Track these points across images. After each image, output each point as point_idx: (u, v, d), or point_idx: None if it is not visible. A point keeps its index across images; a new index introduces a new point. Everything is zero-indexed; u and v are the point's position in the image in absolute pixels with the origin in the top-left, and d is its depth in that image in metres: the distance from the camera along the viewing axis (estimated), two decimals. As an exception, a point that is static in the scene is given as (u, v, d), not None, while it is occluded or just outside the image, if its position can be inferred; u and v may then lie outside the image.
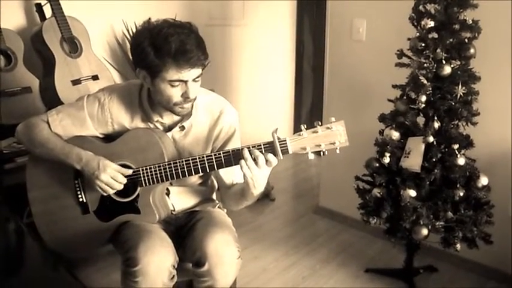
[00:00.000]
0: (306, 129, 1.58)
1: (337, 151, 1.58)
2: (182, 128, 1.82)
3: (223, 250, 1.71)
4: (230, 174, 1.84)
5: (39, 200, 1.89)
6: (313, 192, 3.79)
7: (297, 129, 4.73)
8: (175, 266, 1.73)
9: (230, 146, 1.84)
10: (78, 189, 1.82)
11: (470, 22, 2.26)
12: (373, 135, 2.52)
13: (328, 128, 1.57)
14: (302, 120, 4.70)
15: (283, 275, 2.85)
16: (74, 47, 2.83)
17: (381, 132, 2.50)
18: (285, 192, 4.01)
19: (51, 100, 2.72)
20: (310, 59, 4.54)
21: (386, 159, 2.37)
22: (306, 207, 3.70)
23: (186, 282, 1.90)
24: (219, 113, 1.86)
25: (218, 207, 2.02)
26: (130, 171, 1.73)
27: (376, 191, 2.40)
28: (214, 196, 2.08)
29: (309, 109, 4.68)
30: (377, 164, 2.44)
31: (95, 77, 2.89)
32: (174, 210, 1.93)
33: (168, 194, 1.90)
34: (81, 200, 1.83)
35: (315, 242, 3.20)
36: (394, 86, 2.44)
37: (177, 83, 1.65)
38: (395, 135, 2.39)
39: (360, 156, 2.51)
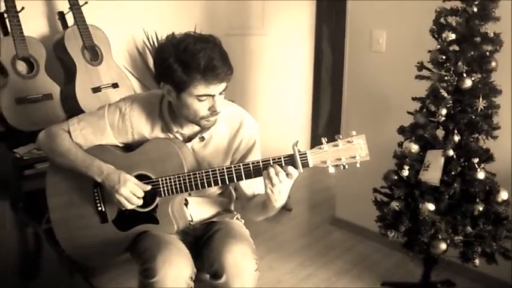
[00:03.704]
0: (327, 142, 1.58)
1: (358, 165, 1.58)
2: (202, 138, 1.82)
3: (241, 262, 1.71)
4: (251, 186, 1.84)
5: (58, 208, 1.91)
6: (330, 203, 3.77)
7: (314, 139, 4.72)
8: (193, 278, 1.73)
9: (250, 158, 1.85)
10: (97, 198, 1.83)
11: (492, 35, 2.24)
12: (391, 147, 2.50)
13: (349, 141, 1.56)
14: (319, 130, 4.69)
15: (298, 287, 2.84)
16: (95, 55, 2.86)
17: (400, 145, 2.48)
18: (301, 202, 4.00)
19: (72, 107, 2.75)
20: (328, 69, 4.54)
21: (405, 172, 2.35)
22: (322, 217, 3.69)
23: (203, 293, 1.90)
24: (239, 124, 1.86)
25: (236, 218, 2.02)
26: (148, 187, 1.74)
27: (395, 204, 2.38)
28: (232, 207, 2.08)
29: (326, 119, 4.67)
30: (395, 177, 2.42)
31: (115, 85, 2.92)
32: (192, 221, 1.93)
33: (186, 204, 1.90)
34: (100, 209, 1.84)
35: (331, 254, 3.18)
36: (414, 99, 2.42)
37: (204, 98, 1.65)
38: (415, 148, 2.37)
39: (378, 168, 2.49)
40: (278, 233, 3.44)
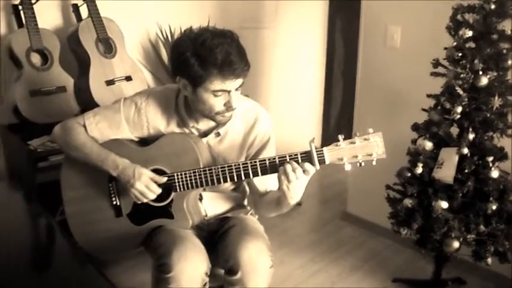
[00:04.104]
0: (344, 139, 1.57)
1: (374, 163, 1.57)
2: (217, 134, 1.82)
3: (256, 259, 1.71)
4: (264, 182, 1.83)
5: (73, 201, 1.92)
6: (341, 198, 3.75)
7: (325, 134, 4.64)
8: (208, 273, 1.74)
9: (265, 154, 1.85)
10: (112, 192, 1.84)
11: (509, 32, 2.22)
12: (404, 143, 2.49)
13: (365, 139, 1.56)
14: (331, 124, 4.67)
15: (309, 282, 2.84)
16: (108, 47, 2.86)
17: (414, 142, 2.47)
18: (312, 196, 3.99)
19: (85, 100, 2.75)
20: (340, 63, 4.50)
21: (419, 170, 2.34)
22: (333, 212, 3.67)
23: (216, 288, 1.91)
24: (254, 120, 1.86)
25: (250, 213, 2.02)
26: (164, 179, 1.74)
27: (408, 202, 2.37)
28: (246, 202, 2.08)
29: (337, 114, 4.65)
30: (409, 174, 2.41)
31: (128, 78, 2.92)
32: (206, 216, 1.93)
33: (200, 199, 1.91)
34: (114, 203, 1.84)
35: (342, 249, 3.18)
36: (429, 96, 2.41)
37: (220, 93, 1.65)
38: (429, 145, 2.36)
39: (390, 164, 2.44)
40: (289, 228, 3.44)
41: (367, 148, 1.56)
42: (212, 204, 1.94)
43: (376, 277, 2.87)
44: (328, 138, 4.63)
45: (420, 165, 2.34)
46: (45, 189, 2.21)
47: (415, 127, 2.45)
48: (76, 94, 2.76)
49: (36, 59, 2.65)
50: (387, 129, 2.77)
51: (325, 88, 4.64)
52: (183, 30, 1.70)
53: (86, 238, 1.92)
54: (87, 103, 2.75)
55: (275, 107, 4.22)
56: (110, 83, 2.82)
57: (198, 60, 1.60)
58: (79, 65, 2.84)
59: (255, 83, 4.06)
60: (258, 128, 1.86)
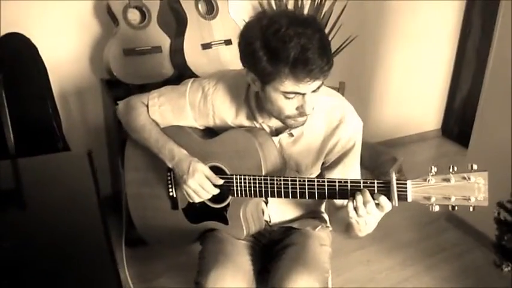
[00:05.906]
0: (436, 173, 1.26)
1: (471, 209, 1.25)
2: (291, 134, 1.56)
3: None
4: None
5: (133, 182, 1.81)
6: (450, 195, 3.34)
7: (447, 118, 4.12)
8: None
9: (345, 163, 1.57)
10: (169, 182, 1.68)
11: None
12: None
13: (464, 178, 1.23)
14: (455, 106, 4.17)
15: (393, 290, 2.57)
16: (210, 7, 2.67)
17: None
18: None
19: (179, 63, 2.61)
20: (475, 43, 3.92)
21: (541, 197, 1.94)
22: (437, 211, 3.26)
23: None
24: (338, 121, 1.55)
25: (321, 227, 1.75)
26: (221, 181, 1.54)
27: (520, 232, 1.99)
28: (322, 208, 1.83)
29: (464, 96, 4.12)
30: (527, 199, 2.01)
31: (228, 42, 2.71)
32: (270, 222, 1.72)
33: (266, 202, 1.68)
34: (171, 194, 1.69)
35: (438, 256, 2.83)
36: None
37: (292, 95, 1.37)
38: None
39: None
40: (384, 222, 3.09)
41: (465, 190, 1.24)
42: (279, 209, 1.71)
43: (470, 298, 2.53)
44: (449, 122, 4.19)
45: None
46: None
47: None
48: (171, 56, 2.62)
49: (134, 15, 2.53)
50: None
51: (454, 68, 4.12)
52: (256, 13, 1.42)
53: (142, 222, 1.83)
54: (180, 66, 2.61)
55: (394, 82, 3.84)
56: (206, 46, 2.64)
57: (267, 54, 1.31)
58: (177, 24, 2.69)
59: (375, 52, 3.67)
60: (341, 130, 1.55)
